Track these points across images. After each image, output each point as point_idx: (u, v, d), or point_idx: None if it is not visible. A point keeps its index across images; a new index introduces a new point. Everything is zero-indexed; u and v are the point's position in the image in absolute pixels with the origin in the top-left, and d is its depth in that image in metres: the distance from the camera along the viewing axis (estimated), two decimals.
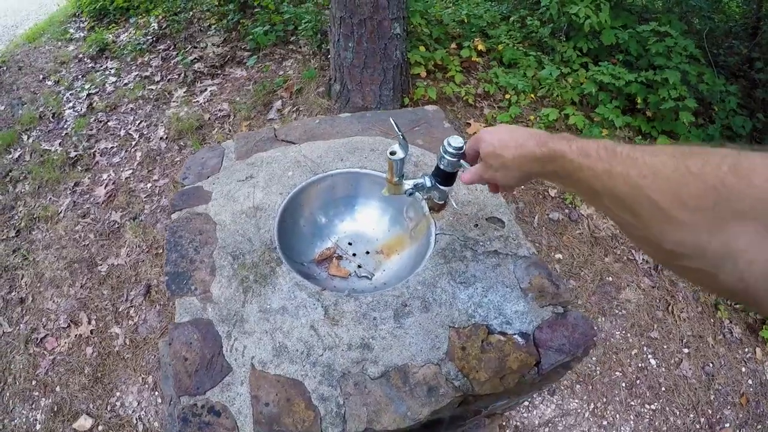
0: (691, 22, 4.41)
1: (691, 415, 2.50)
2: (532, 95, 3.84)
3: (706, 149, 0.54)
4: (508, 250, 1.33)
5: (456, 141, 1.07)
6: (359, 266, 1.46)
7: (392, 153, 1.15)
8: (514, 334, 1.16)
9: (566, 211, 3.28)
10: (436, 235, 1.37)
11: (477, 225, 1.39)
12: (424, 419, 1.05)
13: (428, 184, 1.21)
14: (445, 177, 1.16)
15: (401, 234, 1.50)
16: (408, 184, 1.23)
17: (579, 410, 2.51)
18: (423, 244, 1.39)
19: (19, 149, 4.12)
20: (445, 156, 1.09)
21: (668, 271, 2.99)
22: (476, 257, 1.31)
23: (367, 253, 1.51)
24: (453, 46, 4.19)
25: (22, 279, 3.19)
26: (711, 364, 2.66)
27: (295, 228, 1.48)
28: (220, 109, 4.08)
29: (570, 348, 1.15)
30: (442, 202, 1.38)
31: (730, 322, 2.82)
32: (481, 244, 1.34)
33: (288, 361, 1.11)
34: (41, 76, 5.05)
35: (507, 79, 3.78)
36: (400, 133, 1.13)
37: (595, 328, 1.16)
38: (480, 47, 4.10)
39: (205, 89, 4.34)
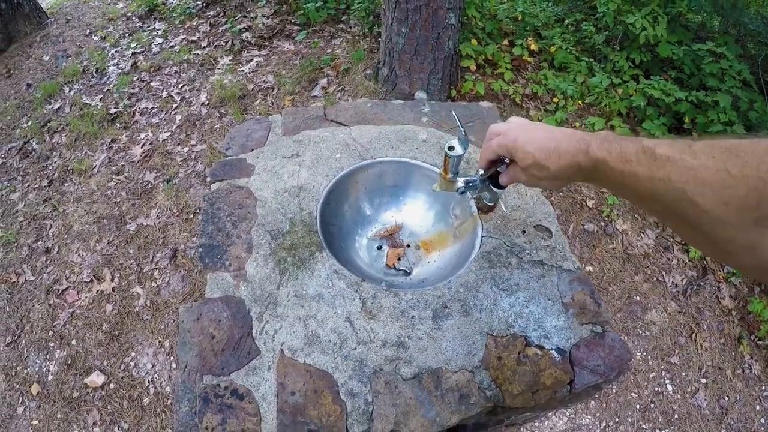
0: (746, 47, 4.29)
1: None
2: (580, 102, 3.77)
3: (744, 145, 0.55)
4: (554, 262, 1.28)
5: None
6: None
7: (450, 148, 1.10)
8: (552, 349, 1.12)
9: (602, 223, 3.22)
10: (482, 237, 1.32)
11: (525, 232, 1.34)
12: (451, 426, 1.02)
13: (480, 184, 1.16)
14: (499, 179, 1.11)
15: (445, 231, 1.46)
16: (460, 182, 1.18)
17: (591, 426, 2.48)
18: (467, 244, 1.34)
19: (59, 101, 4.14)
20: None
21: (696, 298, 2.94)
22: (521, 265, 1.26)
23: (408, 246, 1.46)
24: (505, 42, 4.13)
25: (49, 229, 3.21)
26: (726, 398, 2.62)
27: (338, 212, 1.45)
28: (264, 81, 4.06)
29: (605, 370, 1.11)
30: (492, 204, 1.33)
31: (751, 357, 2.76)
32: (527, 252, 1.30)
33: (319, 351, 1.08)
34: (88, 31, 5.06)
35: (556, 82, 3.72)
36: (462, 129, 1.08)
37: (630, 353, 1.12)
38: (532, 47, 4.04)
39: (251, 59, 4.32)
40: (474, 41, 3.82)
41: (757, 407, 2.60)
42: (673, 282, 3.00)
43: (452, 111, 1.15)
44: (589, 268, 3.01)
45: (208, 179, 1.49)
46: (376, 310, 1.15)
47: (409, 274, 1.38)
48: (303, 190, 1.41)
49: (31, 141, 3.81)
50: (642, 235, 3.17)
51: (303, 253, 1.25)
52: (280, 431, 0.99)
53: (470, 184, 1.17)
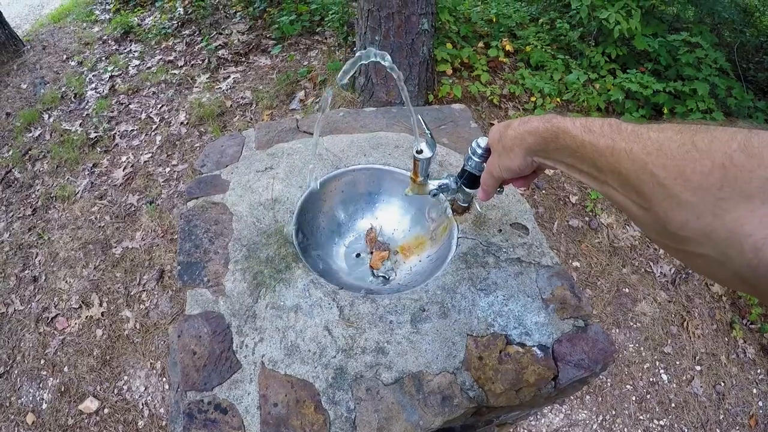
0: (722, 35, 4.34)
1: None
2: (558, 99, 3.79)
3: (716, 127, 0.51)
4: (531, 259, 1.29)
5: (485, 142, 1.02)
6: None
7: (419, 152, 1.11)
8: (533, 346, 1.12)
9: (586, 218, 3.24)
10: (458, 238, 1.33)
11: (501, 230, 1.35)
12: (436, 429, 1.01)
13: (453, 185, 1.17)
14: (471, 179, 1.12)
15: (422, 235, 1.46)
16: (433, 185, 1.19)
17: (587, 421, 2.48)
18: (444, 247, 1.35)
19: (39, 128, 4.14)
20: (473, 157, 1.04)
21: (685, 286, 2.95)
22: (498, 264, 1.27)
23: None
24: (480, 44, 4.16)
25: (36, 258, 3.20)
26: (722, 383, 2.62)
27: (313, 223, 1.45)
28: (242, 97, 4.07)
29: (589, 363, 1.11)
30: (466, 204, 1.34)
31: (744, 341, 2.77)
32: (504, 250, 1.30)
33: (299, 361, 1.08)
34: (65, 57, 5.07)
35: (533, 81, 3.74)
36: (428, 132, 1.09)
37: (614, 345, 1.12)
38: (508, 47, 4.06)
39: (228, 76, 4.33)
40: (449, 45, 3.84)
41: (754, 390, 2.61)
42: (661, 272, 3.01)
43: (417, 115, 1.16)
44: (576, 263, 3.02)
45: (185, 197, 1.49)
46: (353, 317, 1.15)
47: (389, 279, 1.38)
48: (277, 203, 1.42)
49: (12, 170, 3.79)
50: (627, 227, 3.19)
51: (279, 265, 1.26)
52: None
53: (443, 187, 1.18)
